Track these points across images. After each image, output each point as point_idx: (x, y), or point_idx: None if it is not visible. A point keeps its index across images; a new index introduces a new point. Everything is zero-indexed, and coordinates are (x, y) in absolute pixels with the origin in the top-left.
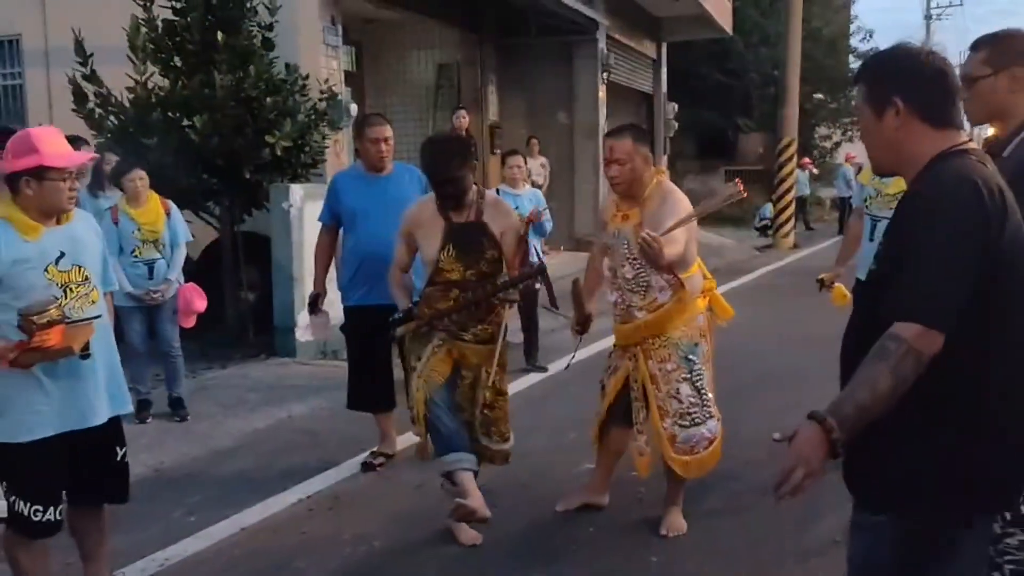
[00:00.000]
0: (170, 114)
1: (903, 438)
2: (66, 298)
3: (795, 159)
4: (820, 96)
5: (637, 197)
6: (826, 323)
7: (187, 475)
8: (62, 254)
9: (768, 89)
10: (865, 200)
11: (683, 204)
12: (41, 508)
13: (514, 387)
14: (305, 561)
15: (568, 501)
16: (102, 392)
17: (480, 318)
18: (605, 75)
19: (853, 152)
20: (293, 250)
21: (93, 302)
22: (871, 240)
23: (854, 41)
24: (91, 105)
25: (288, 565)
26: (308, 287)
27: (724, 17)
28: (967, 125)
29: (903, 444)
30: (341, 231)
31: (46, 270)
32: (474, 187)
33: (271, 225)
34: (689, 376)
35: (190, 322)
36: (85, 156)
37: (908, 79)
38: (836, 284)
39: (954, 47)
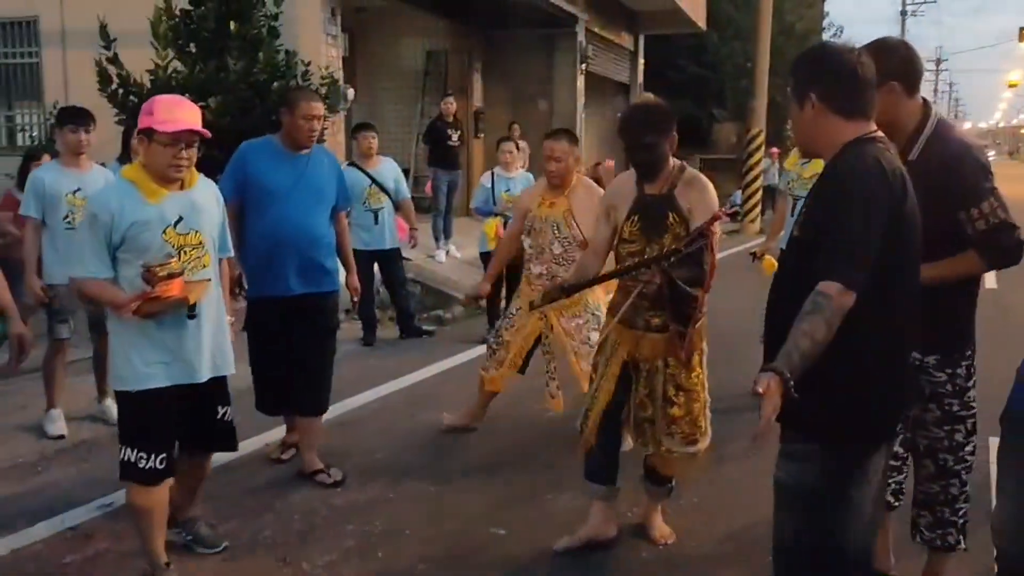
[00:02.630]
0: (188, 96)
1: (829, 378)
2: (179, 260)
3: (763, 149)
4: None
5: (563, 189)
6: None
7: None
8: (180, 218)
9: (741, 81)
10: (788, 183)
11: (599, 194)
12: (145, 455)
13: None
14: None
15: (453, 418)
16: (205, 351)
17: (651, 305)
18: (583, 66)
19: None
20: None
21: (204, 266)
22: (792, 216)
23: (825, 36)
24: (114, 86)
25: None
26: None
27: (698, 12)
28: None
29: (829, 383)
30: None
31: (164, 232)
32: (675, 161)
33: None
34: (597, 327)
35: None
36: (191, 125)
37: (821, 76)
38: (767, 256)
39: (930, 41)
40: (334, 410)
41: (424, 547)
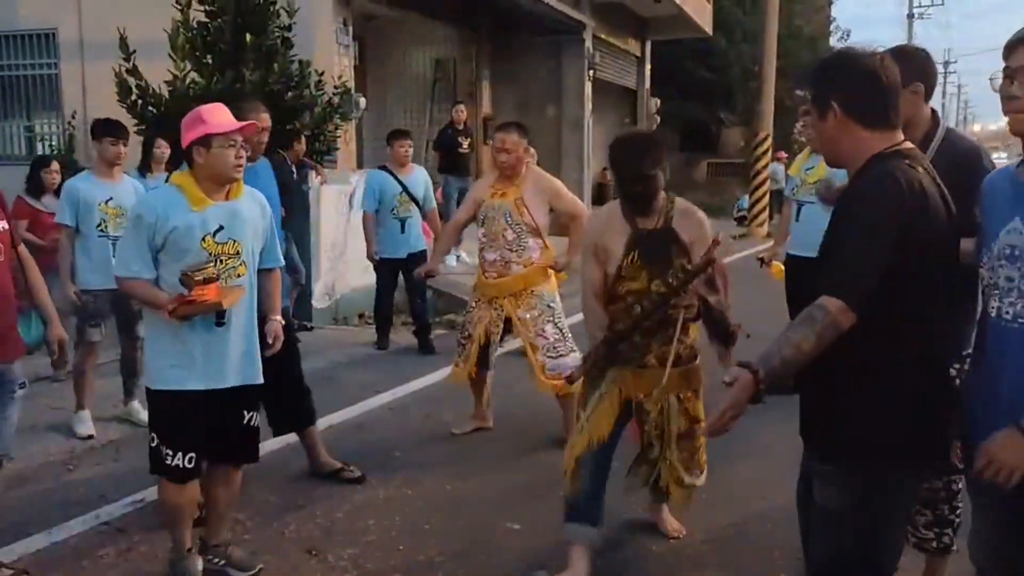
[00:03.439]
0: None
1: (851, 400)
2: (216, 267)
3: (770, 153)
4: (801, 93)
5: (513, 179)
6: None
7: None
8: (221, 227)
9: (749, 85)
10: (793, 189)
11: (548, 180)
12: (171, 452)
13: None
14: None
15: (461, 427)
16: (232, 359)
17: (667, 338)
18: (591, 72)
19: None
20: (311, 227)
21: (239, 275)
22: (797, 221)
23: (833, 40)
24: (133, 97)
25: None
26: (324, 261)
27: (704, 17)
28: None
29: (851, 405)
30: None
31: (203, 240)
32: (663, 193)
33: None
34: (552, 319)
35: None
36: (244, 123)
37: (843, 84)
38: (774, 262)
39: (937, 44)
40: (350, 412)
41: (443, 541)
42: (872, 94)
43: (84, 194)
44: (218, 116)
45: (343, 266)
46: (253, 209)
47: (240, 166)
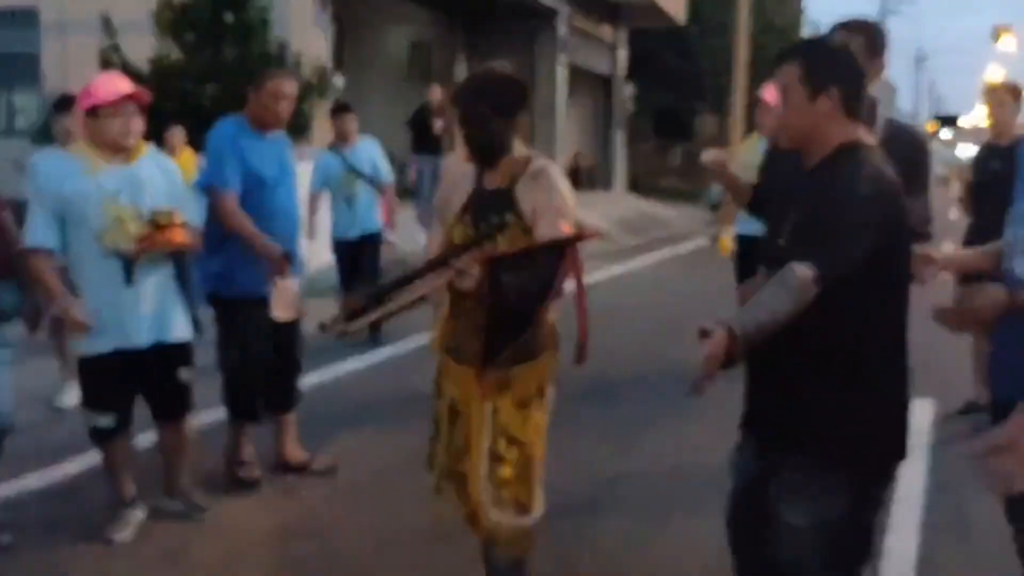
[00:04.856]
0: (187, 82)
1: (844, 404)
2: (117, 231)
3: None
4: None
5: None
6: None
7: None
8: (119, 191)
9: (721, 76)
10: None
11: None
12: (94, 415)
13: None
14: (321, 432)
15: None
16: (145, 318)
17: (472, 327)
18: (564, 58)
19: None
20: None
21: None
22: None
23: (804, 33)
24: None
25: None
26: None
27: (676, 7)
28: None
29: (853, 404)
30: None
31: (101, 203)
32: (525, 151)
33: None
34: None
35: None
36: (131, 91)
37: (847, 75)
38: (722, 238)
39: (909, 40)
40: (321, 375)
41: (411, 485)
42: (860, 89)
43: None
44: (105, 86)
45: (314, 242)
46: (154, 173)
47: (127, 133)
